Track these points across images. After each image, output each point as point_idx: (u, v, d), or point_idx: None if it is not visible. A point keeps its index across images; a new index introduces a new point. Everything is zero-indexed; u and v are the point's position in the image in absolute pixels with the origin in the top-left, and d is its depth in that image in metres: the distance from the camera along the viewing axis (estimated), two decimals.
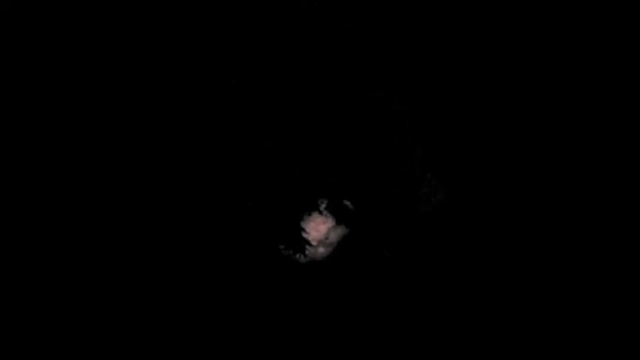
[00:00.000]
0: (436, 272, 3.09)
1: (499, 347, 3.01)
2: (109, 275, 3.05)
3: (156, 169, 3.12)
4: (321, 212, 2.88)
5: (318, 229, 2.91)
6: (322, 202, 2.78)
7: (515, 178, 3.15)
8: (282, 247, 2.79)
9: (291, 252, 2.84)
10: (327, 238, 2.91)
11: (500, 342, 3.02)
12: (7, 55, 3.15)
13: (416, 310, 3.05)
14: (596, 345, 3.00)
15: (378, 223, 3.02)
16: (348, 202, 2.83)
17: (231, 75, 3.15)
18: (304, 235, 2.86)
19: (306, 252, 2.87)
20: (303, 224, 2.82)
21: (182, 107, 3.16)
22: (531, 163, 3.15)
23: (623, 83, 3.19)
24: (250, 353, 3.01)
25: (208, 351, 3.00)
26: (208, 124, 3.15)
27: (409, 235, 3.10)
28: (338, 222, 2.86)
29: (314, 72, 3.17)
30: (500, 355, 3.01)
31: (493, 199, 3.14)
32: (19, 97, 3.15)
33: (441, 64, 3.21)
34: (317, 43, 3.17)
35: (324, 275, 3.08)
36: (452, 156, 3.17)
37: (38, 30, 3.17)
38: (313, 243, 2.87)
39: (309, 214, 2.83)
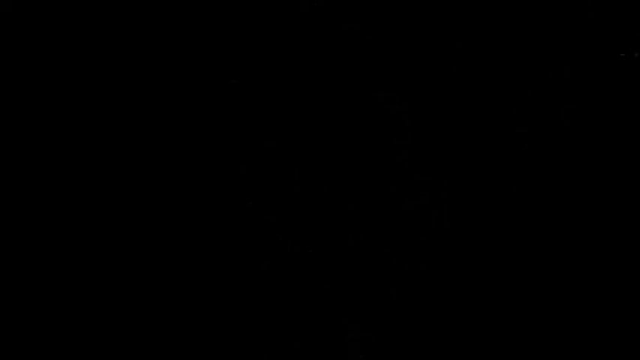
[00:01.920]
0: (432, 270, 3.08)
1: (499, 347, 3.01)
2: (109, 275, 3.05)
3: (155, 169, 3.12)
4: None
5: None
6: None
7: (512, 177, 3.15)
8: None
9: None
10: None
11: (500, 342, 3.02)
12: (7, 55, 3.15)
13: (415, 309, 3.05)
14: (595, 345, 3.00)
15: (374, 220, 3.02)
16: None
17: (231, 75, 3.15)
18: None
19: None
20: None
21: (181, 107, 3.15)
22: (530, 164, 3.15)
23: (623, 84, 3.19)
24: (249, 353, 3.01)
25: (208, 351, 3.00)
26: (208, 124, 3.14)
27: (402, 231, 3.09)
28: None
29: (314, 72, 3.16)
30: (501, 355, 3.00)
31: (489, 198, 3.14)
32: (19, 97, 3.14)
33: (441, 64, 3.21)
34: (317, 43, 3.16)
35: (322, 275, 3.08)
36: (450, 155, 3.16)
37: (38, 30, 3.16)
38: None
39: None
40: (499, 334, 3.02)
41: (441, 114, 3.18)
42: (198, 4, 3.17)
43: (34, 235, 3.06)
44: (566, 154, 3.13)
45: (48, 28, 3.16)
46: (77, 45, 3.16)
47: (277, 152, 3.12)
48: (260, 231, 3.08)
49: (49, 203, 3.08)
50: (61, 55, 3.15)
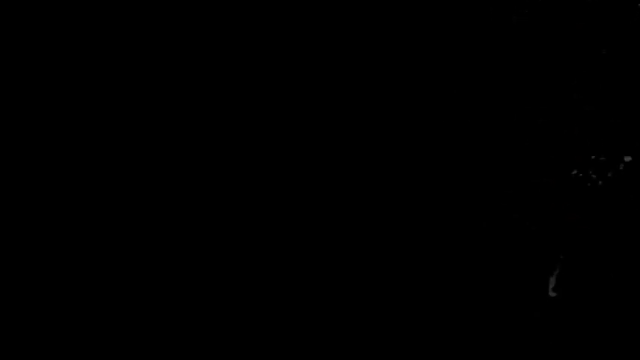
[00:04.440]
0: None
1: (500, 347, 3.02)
2: (109, 275, 3.05)
3: (156, 170, 3.12)
4: None
5: None
6: None
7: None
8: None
9: None
10: None
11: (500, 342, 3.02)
12: (7, 55, 3.15)
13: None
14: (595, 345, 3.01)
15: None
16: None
17: (230, 74, 3.15)
18: None
19: None
20: None
21: (182, 107, 3.16)
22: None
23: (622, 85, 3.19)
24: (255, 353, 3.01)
25: (208, 351, 3.01)
26: (208, 125, 3.15)
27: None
28: None
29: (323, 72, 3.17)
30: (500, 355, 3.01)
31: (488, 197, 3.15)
32: (19, 97, 3.14)
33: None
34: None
35: (320, 275, 3.08)
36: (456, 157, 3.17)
37: (38, 30, 3.16)
38: None
39: None
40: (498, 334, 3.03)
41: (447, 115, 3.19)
42: (202, 5, 3.17)
43: (34, 235, 3.06)
44: (584, 156, 3.14)
45: (48, 28, 3.16)
46: (77, 45, 3.16)
47: (278, 153, 3.13)
48: (260, 230, 3.08)
49: (49, 203, 3.08)
50: (62, 55, 3.15)
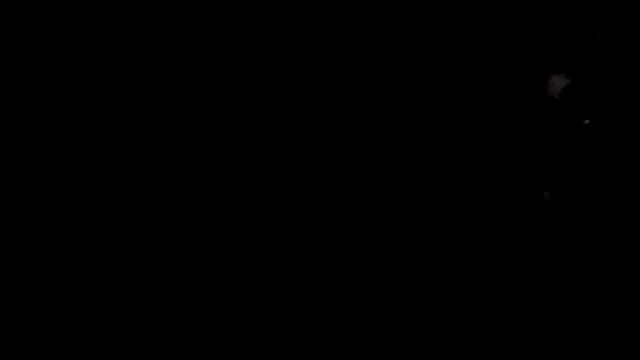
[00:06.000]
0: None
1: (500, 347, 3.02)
2: (109, 275, 3.05)
3: (156, 171, 3.12)
4: None
5: None
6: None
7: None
8: None
9: None
10: None
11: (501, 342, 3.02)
12: (7, 55, 3.15)
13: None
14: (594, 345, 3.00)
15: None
16: None
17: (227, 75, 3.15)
18: None
19: None
20: None
21: (187, 108, 3.16)
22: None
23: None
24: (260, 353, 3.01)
25: (208, 351, 3.00)
26: (210, 124, 3.15)
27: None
28: None
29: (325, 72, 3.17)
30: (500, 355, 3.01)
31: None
32: (19, 97, 3.14)
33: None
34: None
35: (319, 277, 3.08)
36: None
37: (38, 30, 3.16)
38: None
39: None
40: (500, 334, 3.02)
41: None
42: (205, 5, 3.18)
43: (34, 235, 3.06)
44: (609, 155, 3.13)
45: (48, 28, 3.16)
46: (77, 45, 3.16)
47: (278, 152, 3.12)
48: (262, 229, 3.08)
49: (49, 203, 3.08)
50: (61, 55, 3.15)
